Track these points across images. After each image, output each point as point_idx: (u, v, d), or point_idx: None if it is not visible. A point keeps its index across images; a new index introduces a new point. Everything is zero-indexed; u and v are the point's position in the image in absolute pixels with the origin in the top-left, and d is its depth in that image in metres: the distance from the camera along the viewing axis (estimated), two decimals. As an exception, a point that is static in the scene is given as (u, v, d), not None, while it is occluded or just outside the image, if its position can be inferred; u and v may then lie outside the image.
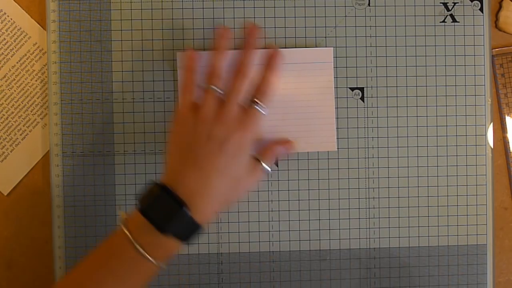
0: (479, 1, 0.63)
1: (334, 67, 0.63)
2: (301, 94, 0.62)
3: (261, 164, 0.57)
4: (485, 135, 0.64)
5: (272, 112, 0.61)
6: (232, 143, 0.54)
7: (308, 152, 0.63)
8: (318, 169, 0.63)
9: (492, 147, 0.64)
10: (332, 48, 0.63)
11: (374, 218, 0.64)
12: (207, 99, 0.55)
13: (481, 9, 0.63)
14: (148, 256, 0.50)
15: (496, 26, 0.65)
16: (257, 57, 0.59)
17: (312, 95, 0.62)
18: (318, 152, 0.63)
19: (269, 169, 0.58)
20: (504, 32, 0.65)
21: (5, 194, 0.64)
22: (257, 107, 0.56)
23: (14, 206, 0.64)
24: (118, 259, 0.50)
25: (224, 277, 0.64)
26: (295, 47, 0.63)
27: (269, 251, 0.64)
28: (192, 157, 0.53)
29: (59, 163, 0.63)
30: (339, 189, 0.63)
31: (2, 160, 0.63)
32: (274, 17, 0.63)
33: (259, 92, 0.57)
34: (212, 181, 0.52)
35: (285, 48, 0.62)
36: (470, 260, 0.64)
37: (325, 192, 0.64)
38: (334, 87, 0.63)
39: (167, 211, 0.51)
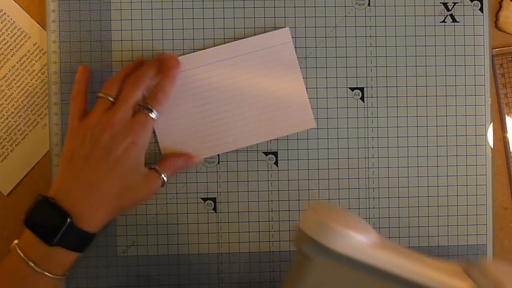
0: (479, 1, 0.63)
1: (334, 67, 0.63)
2: (268, 81, 0.62)
3: (159, 174, 0.57)
4: (485, 135, 0.64)
5: (245, 105, 0.61)
6: (118, 149, 0.53)
7: (308, 152, 0.63)
8: (318, 169, 0.63)
9: (492, 147, 0.64)
10: (288, 28, 0.62)
11: (374, 218, 0.64)
12: (96, 107, 0.55)
13: (481, 9, 0.63)
14: (42, 271, 0.50)
15: (496, 26, 0.65)
16: (154, 68, 0.58)
17: (279, 78, 0.62)
18: (318, 152, 0.63)
19: (165, 178, 0.58)
20: (504, 32, 0.65)
21: (5, 194, 0.64)
22: (145, 112, 0.55)
23: (14, 206, 0.64)
24: (14, 277, 0.51)
25: (224, 277, 0.64)
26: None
27: (269, 251, 0.64)
28: (77, 166, 0.53)
29: (59, 163, 0.63)
30: (339, 189, 0.63)
31: (2, 160, 0.63)
32: (274, 17, 0.63)
33: (152, 97, 0.56)
34: (97, 190, 0.52)
35: (241, 39, 0.62)
36: (470, 260, 0.64)
37: (325, 192, 0.63)
38: (334, 87, 0.63)
39: (52, 223, 0.50)
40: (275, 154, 0.63)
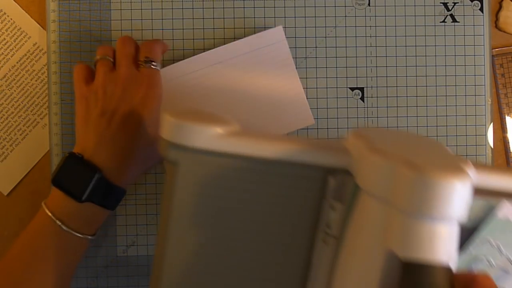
0: (479, 1, 0.63)
1: (334, 67, 0.63)
2: (264, 80, 0.62)
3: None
4: (485, 135, 0.64)
5: (243, 105, 0.61)
6: (135, 98, 0.52)
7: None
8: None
9: (492, 147, 0.64)
10: (281, 26, 0.62)
11: (374, 218, 0.64)
12: (98, 69, 0.54)
13: (481, 9, 0.63)
14: (70, 230, 0.49)
15: (496, 26, 0.65)
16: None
17: (275, 77, 0.62)
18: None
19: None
20: (504, 32, 0.65)
21: (5, 194, 0.64)
22: (148, 65, 0.54)
23: (14, 206, 0.64)
24: (42, 237, 0.50)
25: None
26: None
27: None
28: (97, 123, 0.51)
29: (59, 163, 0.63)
30: (339, 189, 0.63)
31: (2, 160, 0.63)
32: (274, 17, 0.63)
33: (145, 50, 0.55)
34: (119, 142, 0.51)
35: (235, 40, 0.62)
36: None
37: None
38: (334, 87, 0.63)
39: (81, 178, 0.49)
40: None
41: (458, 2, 0.63)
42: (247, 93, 0.62)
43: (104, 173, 0.50)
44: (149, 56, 0.54)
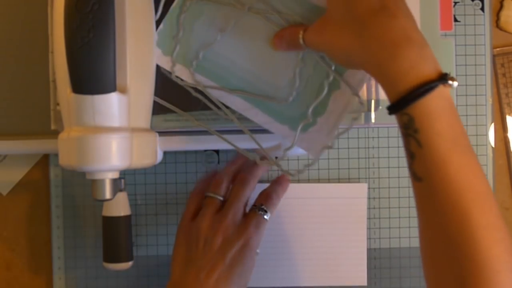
0: (480, 1, 0.63)
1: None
2: (332, 228, 0.63)
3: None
4: (486, 135, 0.64)
5: (305, 246, 0.63)
6: (232, 252, 0.52)
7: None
8: (319, 169, 0.63)
9: (493, 147, 0.64)
10: (366, 184, 0.63)
11: (374, 218, 0.64)
12: (205, 207, 0.55)
13: (482, 9, 0.63)
14: None
15: (497, 26, 0.65)
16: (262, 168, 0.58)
17: (344, 229, 0.63)
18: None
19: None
20: (505, 31, 0.65)
21: (4, 194, 0.64)
22: (259, 212, 0.55)
23: (14, 206, 0.64)
24: None
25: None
26: (329, 179, 0.63)
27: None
28: (193, 270, 0.52)
29: (59, 163, 0.62)
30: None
31: (2, 160, 0.63)
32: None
33: (264, 198, 0.56)
34: None
35: (319, 183, 0.63)
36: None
37: (326, 193, 0.64)
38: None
39: None
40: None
41: (459, 2, 0.63)
42: (313, 235, 0.63)
43: None
44: (265, 205, 0.55)
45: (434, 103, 0.38)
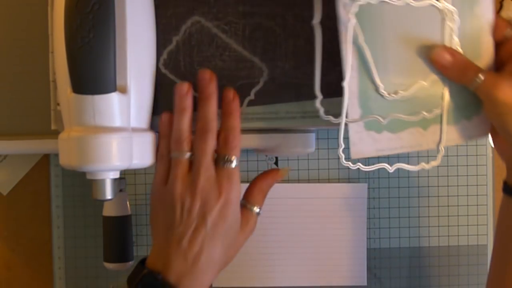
0: (480, 1, 0.63)
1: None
2: (332, 228, 0.63)
3: (252, 211, 0.52)
4: (486, 135, 0.64)
5: (304, 246, 0.63)
6: (213, 213, 0.49)
7: (308, 153, 0.63)
8: (318, 169, 0.63)
9: (493, 146, 0.64)
10: (366, 184, 0.63)
11: (374, 218, 0.64)
12: (173, 169, 0.50)
13: (482, 9, 0.63)
14: None
15: (497, 26, 0.65)
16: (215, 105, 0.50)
17: (344, 229, 0.63)
18: (318, 152, 0.63)
19: (258, 210, 0.52)
20: (505, 31, 0.65)
21: (5, 194, 0.64)
22: (226, 165, 0.50)
23: (14, 206, 0.64)
24: None
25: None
26: (329, 179, 0.63)
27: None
28: (174, 238, 0.50)
29: (59, 163, 0.62)
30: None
31: (2, 160, 0.63)
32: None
33: (223, 145, 0.50)
34: (200, 260, 0.49)
35: (319, 183, 0.63)
36: (470, 260, 0.64)
37: (325, 192, 0.64)
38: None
39: None
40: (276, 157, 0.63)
41: (458, 2, 0.63)
42: (312, 234, 0.63)
43: None
44: (229, 154, 0.50)
45: None
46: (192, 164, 0.50)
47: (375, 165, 0.49)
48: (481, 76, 0.46)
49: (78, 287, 0.63)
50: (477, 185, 0.64)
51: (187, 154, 0.50)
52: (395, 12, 0.45)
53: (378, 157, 0.49)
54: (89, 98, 0.45)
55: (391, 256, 0.64)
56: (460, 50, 0.47)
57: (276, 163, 0.63)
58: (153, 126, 0.51)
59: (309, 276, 0.63)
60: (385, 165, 0.49)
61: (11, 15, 0.55)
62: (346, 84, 0.46)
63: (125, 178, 0.57)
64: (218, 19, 0.51)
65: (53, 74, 0.52)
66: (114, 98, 0.45)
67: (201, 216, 0.49)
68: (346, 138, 0.48)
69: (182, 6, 0.51)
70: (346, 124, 0.47)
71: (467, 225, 0.64)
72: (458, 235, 0.64)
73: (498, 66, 0.48)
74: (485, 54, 0.47)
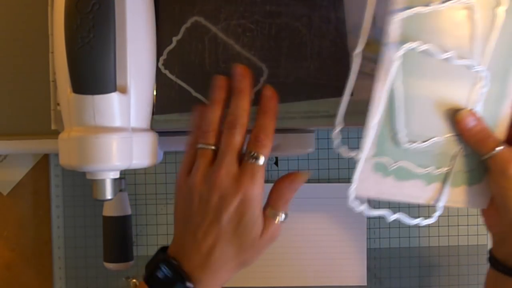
0: (480, 1, 0.63)
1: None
2: (332, 228, 0.63)
3: (271, 216, 0.50)
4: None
5: (305, 246, 0.63)
6: (229, 209, 0.48)
7: (308, 153, 0.63)
8: (318, 169, 0.63)
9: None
10: None
11: (374, 218, 0.64)
12: (198, 160, 0.50)
13: (482, 9, 0.63)
14: None
15: (497, 26, 0.65)
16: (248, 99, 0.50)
17: (344, 229, 0.63)
18: (318, 152, 0.63)
19: (284, 216, 0.50)
20: (505, 31, 0.65)
21: (5, 194, 0.64)
22: (251, 161, 0.48)
23: (14, 206, 0.64)
24: None
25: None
26: (329, 179, 0.64)
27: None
28: (191, 229, 0.49)
29: (59, 163, 0.62)
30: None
31: (2, 160, 0.63)
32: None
33: (254, 141, 0.49)
34: (214, 254, 0.48)
35: (319, 183, 0.63)
36: (470, 260, 0.64)
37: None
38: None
39: (171, 284, 0.48)
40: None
41: (458, 2, 0.63)
42: (314, 234, 0.63)
43: (195, 284, 0.48)
44: (256, 151, 0.48)
45: None
46: (216, 157, 0.49)
47: (376, 211, 0.48)
48: (500, 148, 0.46)
49: (78, 287, 0.63)
50: (477, 185, 0.64)
51: (213, 146, 0.49)
52: (433, 64, 0.45)
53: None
54: (89, 98, 0.45)
55: (391, 256, 0.64)
56: (481, 115, 0.47)
57: (276, 163, 0.63)
58: (153, 126, 0.51)
59: (309, 276, 0.63)
60: (385, 213, 0.49)
61: (11, 15, 0.55)
62: (372, 123, 0.45)
63: (125, 178, 0.57)
64: (218, 19, 0.51)
65: (53, 74, 0.52)
66: (114, 98, 0.45)
67: (218, 210, 0.48)
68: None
69: (182, 6, 0.51)
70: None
71: (467, 225, 0.64)
72: (458, 235, 0.64)
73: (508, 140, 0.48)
74: (500, 126, 0.47)
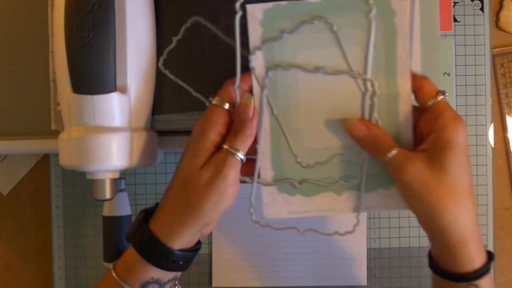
0: (480, 1, 0.63)
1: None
2: (332, 228, 0.63)
3: (231, 154, 0.46)
4: (486, 135, 0.64)
5: (304, 246, 0.63)
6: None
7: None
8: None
9: (493, 146, 0.64)
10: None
11: (374, 218, 0.64)
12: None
13: (482, 9, 0.63)
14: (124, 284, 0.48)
15: (497, 26, 0.65)
16: None
17: (344, 229, 0.63)
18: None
19: (242, 157, 0.46)
20: (505, 31, 0.65)
21: (5, 194, 0.64)
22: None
23: (14, 206, 0.64)
24: None
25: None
26: None
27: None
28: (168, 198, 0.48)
29: (59, 163, 0.62)
30: (339, 189, 0.63)
31: (2, 160, 0.63)
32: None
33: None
34: (166, 197, 0.48)
35: None
36: (470, 260, 0.64)
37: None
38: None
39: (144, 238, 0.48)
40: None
41: (458, 2, 0.63)
42: (312, 235, 0.61)
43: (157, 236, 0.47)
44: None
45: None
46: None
47: (286, 227, 0.48)
48: (392, 153, 0.44)
49: (78, 287, 0.63)
50: (477, 185, 0.64)
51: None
52: (311, 80, 0.46)
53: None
54: (89, 98, 0.45)
55: (391, 256, 0.64)
56: (379, 122, 0.46)
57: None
58: (153, 126, 0.51)
59: (309, 276, 0.63)
60: (296, 227, 0.49)
61: (11, 15, 0.55)
62: (259, 147, 0.47)
63: (125, 178, 0.57)
64: (218, 19, 0.51)
65: (53, 74, 0.52)
66: (114, 98, 0.45)
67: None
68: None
69: (182, 6, 0.51)
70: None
71: (467, 225, 0.64)
72: (458, 235, 0.64)
73: (419, 138, 0.46)
74: (404, 123, 0.46)
